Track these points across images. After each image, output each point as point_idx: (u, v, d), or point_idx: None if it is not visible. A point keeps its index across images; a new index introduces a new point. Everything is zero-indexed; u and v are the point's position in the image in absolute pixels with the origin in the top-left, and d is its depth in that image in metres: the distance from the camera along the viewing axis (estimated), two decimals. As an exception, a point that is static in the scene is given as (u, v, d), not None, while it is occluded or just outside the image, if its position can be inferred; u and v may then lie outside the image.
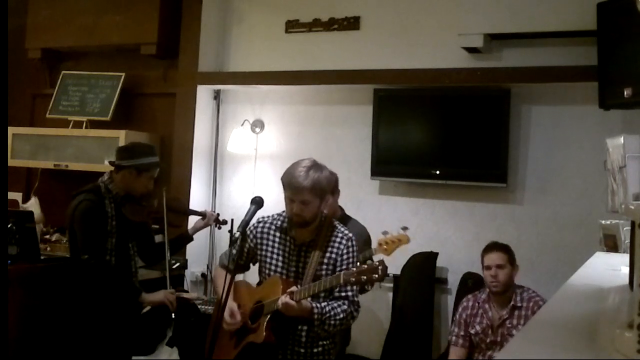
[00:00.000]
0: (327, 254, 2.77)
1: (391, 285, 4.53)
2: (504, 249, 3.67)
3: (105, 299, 3.31)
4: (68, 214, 3.37)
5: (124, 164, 3.40)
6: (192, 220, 4.06)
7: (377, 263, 2.58)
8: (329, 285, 2.65)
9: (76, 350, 3.24)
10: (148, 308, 3.64)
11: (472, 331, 3.65)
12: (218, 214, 3.81)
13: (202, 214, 3.75)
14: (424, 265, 4.42)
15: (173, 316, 3.59)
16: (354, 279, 2.58)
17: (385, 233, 2.67)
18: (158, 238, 3.89)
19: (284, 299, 2.62)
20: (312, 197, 2.69)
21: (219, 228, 3.70)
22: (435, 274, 4.47)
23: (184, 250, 5.08)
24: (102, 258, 3.23)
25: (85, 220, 3.28)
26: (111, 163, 3.47)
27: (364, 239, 3.59)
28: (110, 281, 3.33)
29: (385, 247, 2.68)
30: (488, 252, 3.68)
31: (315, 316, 2.66)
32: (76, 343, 3.24)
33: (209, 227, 5.23)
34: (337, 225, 2.87)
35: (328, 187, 2.82)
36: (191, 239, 3.77)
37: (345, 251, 2.78)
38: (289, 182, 2.70)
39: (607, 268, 1.86)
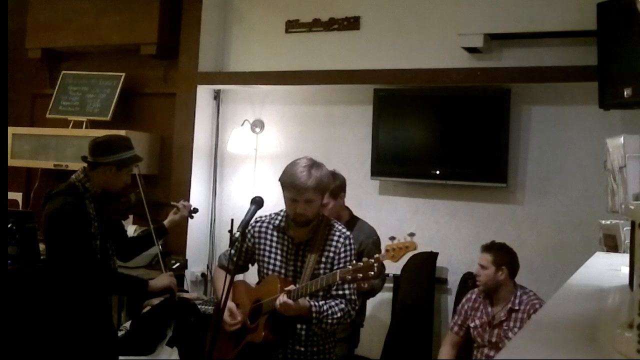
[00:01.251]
0: (325, 253, 2.77)
1: (391, 285, 4.53)
2: (491, 250, 3.67)
3: (105, 298, 3.29)
4: (47, 216, 3.09)
5: (102, 161, 3.11)
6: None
7: (373, 260, 2.58)
8: (325, 283, 2.65)
9: (76, 350, 3.22)
10: (148, 308, 3.64)
11: (472, 325, 3.68)
12: (190, 204, 3.56)
13: (175, 206, 3.49)
14: (424, 265, 4.42)
15: (176, 298, 3.51)
16: (350, 277, 2.59)
17: (392, 239, 2.65)
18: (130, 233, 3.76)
19: (282, 298, 2.62)
20: (315, 196, 2.70)
21: (192, 217, 3.53)
22: (435, 274, 4.48)
23: (184, 250, 5.09)
24: (98, 261, 3.14)
25: (74, 226, 3.03)
26: (84, 159, 3.15)
27: (372, 240, 3.57)
28: (117, 280, 3.28)
29: (392, 253, 2.66)
30: (480, 252, 3.73)
31: (313, 314, 2.66)
32: (76, 344, 3.22)
33: (209, 228, 5.31)
34: (335, 223, 2.87)
35: (328, 184, 2.84)
36: (167, 232, 3.58)
37: (342, 249, 2.78)
38: (292, 182, 2.68)
39: (607, 268, 1.86)
